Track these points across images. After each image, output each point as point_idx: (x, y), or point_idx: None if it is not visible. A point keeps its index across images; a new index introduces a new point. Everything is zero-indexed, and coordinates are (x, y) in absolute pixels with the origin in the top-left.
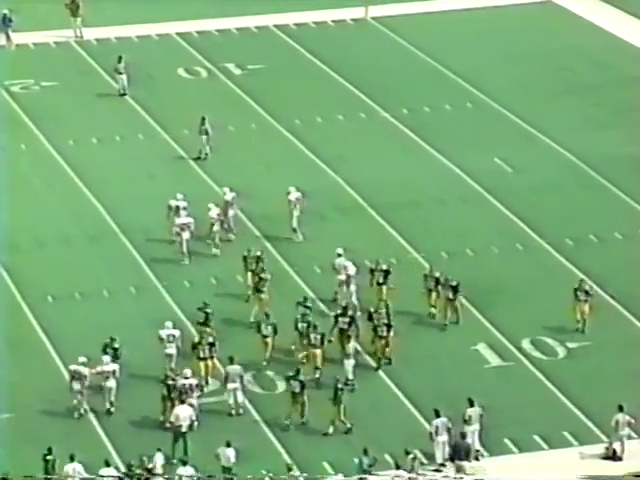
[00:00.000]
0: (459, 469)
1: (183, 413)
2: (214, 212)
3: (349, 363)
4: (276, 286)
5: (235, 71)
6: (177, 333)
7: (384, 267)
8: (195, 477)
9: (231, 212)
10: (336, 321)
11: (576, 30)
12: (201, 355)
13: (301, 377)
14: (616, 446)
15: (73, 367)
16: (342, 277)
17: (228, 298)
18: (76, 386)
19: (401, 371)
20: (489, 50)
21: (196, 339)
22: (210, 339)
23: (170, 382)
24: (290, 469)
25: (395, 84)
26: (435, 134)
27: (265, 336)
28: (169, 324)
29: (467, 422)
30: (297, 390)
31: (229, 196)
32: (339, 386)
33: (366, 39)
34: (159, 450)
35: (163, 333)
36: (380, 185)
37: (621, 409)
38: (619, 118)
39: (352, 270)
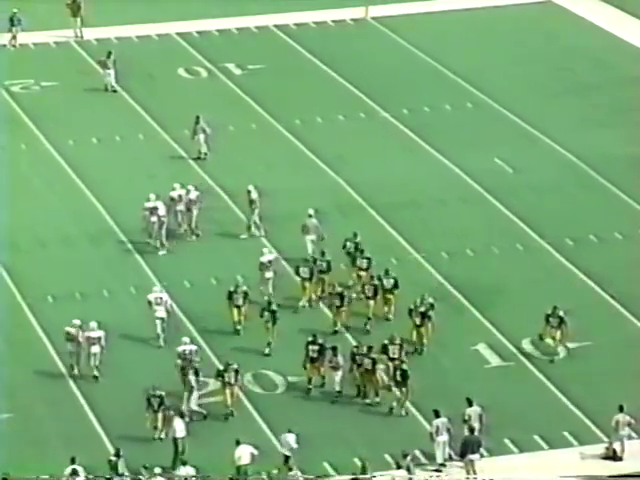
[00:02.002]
0: (470, 463)
1: (179, 426)
2: (162, 211)
3: (337, 375)
4: (277, 288)
5: (235, 71)
6: (165, 296)
7: (339, 290)
8: (194, 477)
9: (195, 211)
10: (307, 350)
11: (576, 30)
12: (226, 381)
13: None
14: (616, 446)
15: (67, 329)
16: (312, 237)
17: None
18: (70, 348)
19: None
20: (489, 50)
21: (221, 365)
22: (235, 365)
23: (156, 395)
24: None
25: (395, 84)
26: (435, 134)
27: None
28: (156, 289)
29: (466, 422)
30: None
31: (193, 195)
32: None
33: (366, 39)
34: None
35: (151, 297)
36: (380, 185)
37: (621, 409)
38: (619, 118)
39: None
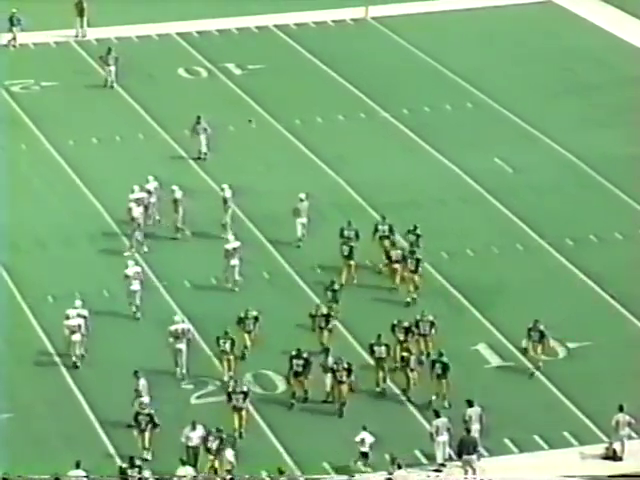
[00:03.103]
0: (467, 464)
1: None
2: (136, 212)
3: (327, 377)
4: (275, 287)
5: (235, 71)
6: (188, 326)
7: (324, 311)
8: (194, 477)
9: (181, 211)
10: (291, 364)
11: (576, 30)
12: (235, 404)
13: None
14: (616, 446)
15: (68, 311)
16: (303, 220)
17: (227, 298)
18: (75, 338)
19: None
20: (489, 50)
21: (230, 387)
22: (244, 387)
23: (144, 413)
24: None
25: (395, 84)
26: (435, 134)
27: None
28: (177, 318)
29: (467, 422)
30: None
31: (179, 194)
32: None
33: (366, 39)
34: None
35: (172, 328)
36: (380, 185)
37: (621, 409)
38: (619, 118)
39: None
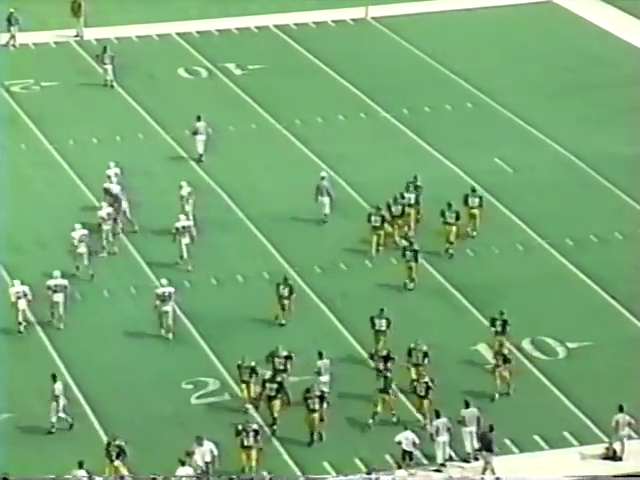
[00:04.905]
0: (486, 460)
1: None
2: (104, 211)
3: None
4: (275, 287)
5: (235, 71)
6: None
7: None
8: (194, 477)
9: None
10: (263, 387)
11: (576, 30)
12: (245, 443)
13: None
14: (616, 446)
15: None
16: (325, 199)
17: (227, 298)
18: (56, 298)
19: (402, 371)
20: (489, 50)
21: (240, 425)
22: (254, 426)
23: (115, 444)
24: None
25: (395, 84)
26: (435, 134)
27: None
28: (164, 282)
29: (462, 423)
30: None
31: (186, 190)
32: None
33: (366, 39)
34: None
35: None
36: (380, 185)
37: (621, 409)
38: (619, 118)
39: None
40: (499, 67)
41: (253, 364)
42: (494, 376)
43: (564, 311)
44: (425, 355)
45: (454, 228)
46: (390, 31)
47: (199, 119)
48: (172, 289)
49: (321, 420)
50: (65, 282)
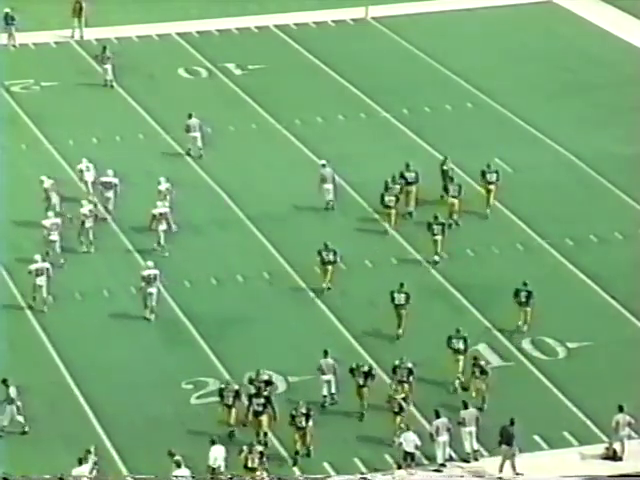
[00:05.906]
0: (506, 454)
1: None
2: (86, 209)
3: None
4: (276, 286)
5: (235, 71)
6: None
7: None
8: (194, 477)
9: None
10: (250, 402)
11: (576, 30)
12: (249, 465)
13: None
14: (616, 446)
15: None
16: (329, 186)
17: (227, 298)
18: (39, 282)
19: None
20: (489, 50)
21: (245, 447)
22: (260, 448)
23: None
24: None
25: (395, 84)
26: (435, 134)
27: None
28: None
29: (461, 424)
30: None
31: (163, 186)
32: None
33: (366, 39)
34: None
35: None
36: (380, 185)
37: (621, 409)
38: (619, 118)
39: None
40: (499, 67)
41: (237, 387)
42: (471, 388)
43: (564, 311)
44: (410, 372)
45: (456, 202)
46: (390, 31)
47: (190, 116)
48: (157, 271)
49: (310, 436)
50: (47, 265)
